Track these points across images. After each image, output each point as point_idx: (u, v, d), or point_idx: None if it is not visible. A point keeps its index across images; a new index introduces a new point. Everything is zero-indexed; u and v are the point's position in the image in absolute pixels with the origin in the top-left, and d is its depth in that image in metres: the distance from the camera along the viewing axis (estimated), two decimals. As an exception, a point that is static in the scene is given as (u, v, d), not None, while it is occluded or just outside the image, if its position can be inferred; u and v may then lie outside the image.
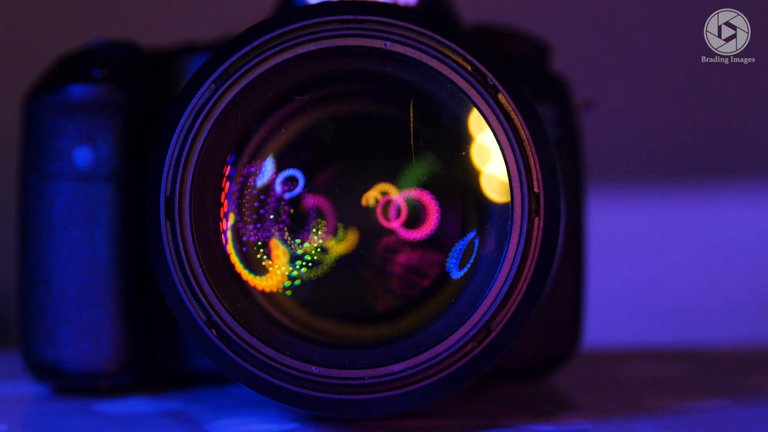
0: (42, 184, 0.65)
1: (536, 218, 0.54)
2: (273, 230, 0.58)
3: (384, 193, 0.58)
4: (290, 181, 0.58)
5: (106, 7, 1.27)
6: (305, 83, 0.57)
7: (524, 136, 0.55)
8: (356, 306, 0.58)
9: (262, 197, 0.58)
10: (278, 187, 0.58)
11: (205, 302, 0.55)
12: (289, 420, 0.59)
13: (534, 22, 0.86)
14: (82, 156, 0.65)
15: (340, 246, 0.58)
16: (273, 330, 0.56)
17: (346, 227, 0.58)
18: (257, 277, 0.57)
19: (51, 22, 1.25)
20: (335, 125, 0.58)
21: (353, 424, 0.57)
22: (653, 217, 1.26)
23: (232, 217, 0.57)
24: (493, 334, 0.54)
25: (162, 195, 0.55)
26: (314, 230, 0.57)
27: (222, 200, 0.57)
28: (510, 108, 0.55)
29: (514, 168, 0.54)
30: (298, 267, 0.57)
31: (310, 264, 0.57)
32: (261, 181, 0.58)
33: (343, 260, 0.58)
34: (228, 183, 0.57)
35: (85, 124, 0.65)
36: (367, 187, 0.58)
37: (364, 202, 0.58)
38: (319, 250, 0.57)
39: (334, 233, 0.57)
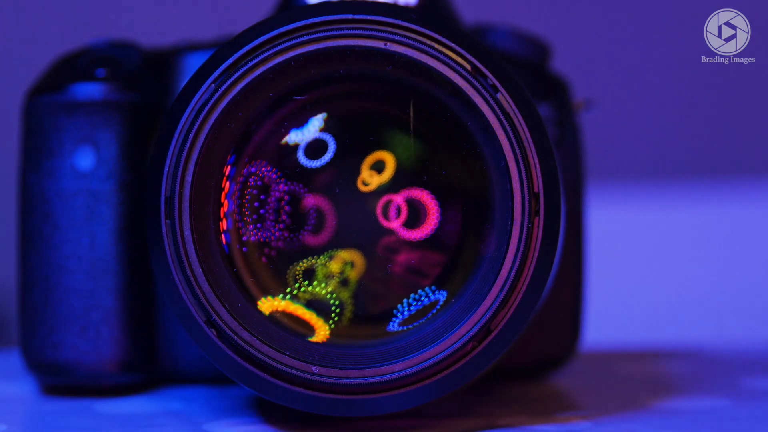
0: (42, 183, 0.65)
1: (536, 218, 0.54)
2: (273, 230, 0.58)
3: (384, 193, 0.58)
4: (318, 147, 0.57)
5: (106, 7, 1.27)
6: (305, 83, 0.57)
7: (524, 136, 0.55)
8: (356, 306, 0.58)
9: (262, 197, 0.58)
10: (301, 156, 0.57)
11: (205, 302, 0.55)
12: (289, 420, 0.59)
13: (534, 22, 0.86)
14: (83, 155, 0.65)
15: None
16: (273, 330, 0.56)
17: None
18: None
19: (51, 22, 1.25)
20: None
21: (353, 424, 0.57)
22: (653, 217, 1.26)
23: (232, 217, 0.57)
24: (493, 334, 0.54)
25: (162, 195, 0.55)
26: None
27: (222, 200, 0.57)
28: (510, 108, 0.55)
29: (514, 168, 0.54)
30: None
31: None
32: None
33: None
34: (228, 183, 0.57)
35: (86, 124, 0.65)
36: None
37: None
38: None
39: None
